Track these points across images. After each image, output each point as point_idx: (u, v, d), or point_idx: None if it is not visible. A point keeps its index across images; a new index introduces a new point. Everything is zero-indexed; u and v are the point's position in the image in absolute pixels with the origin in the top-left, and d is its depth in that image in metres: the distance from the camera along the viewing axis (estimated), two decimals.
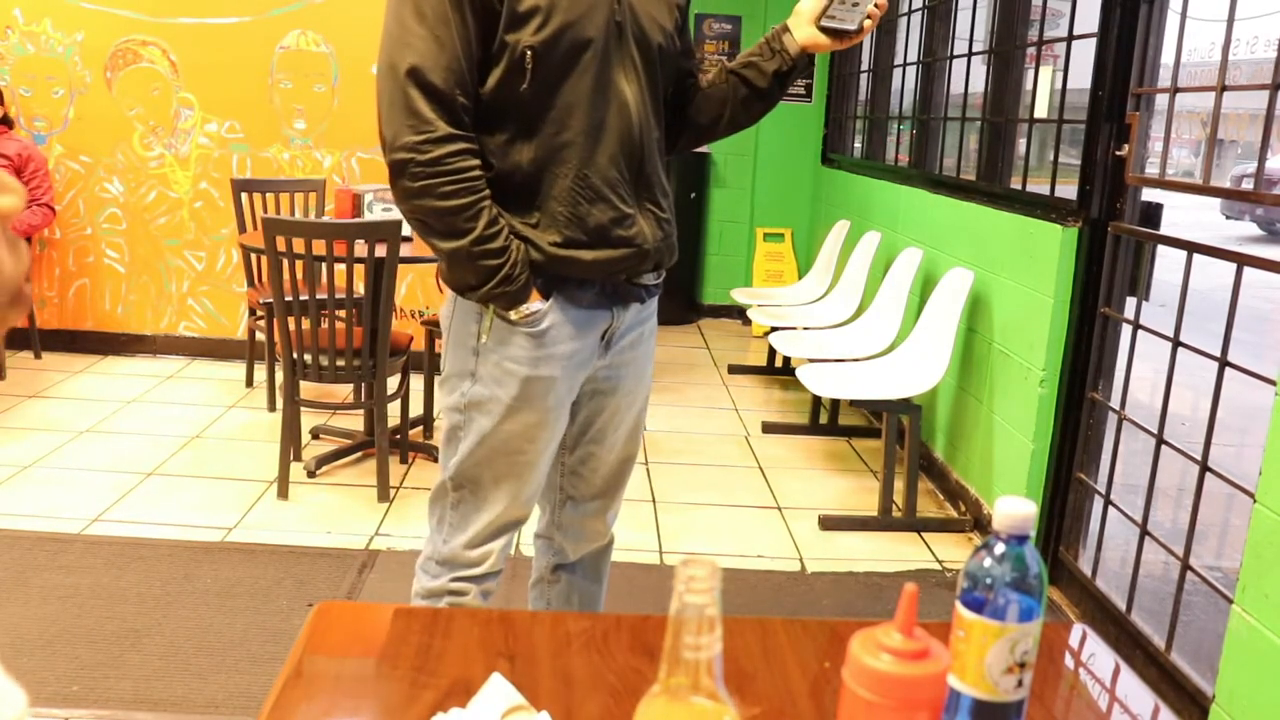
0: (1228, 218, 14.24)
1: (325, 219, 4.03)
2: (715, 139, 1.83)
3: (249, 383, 4.49)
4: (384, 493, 3.30)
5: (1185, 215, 11.62)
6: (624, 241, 1.57)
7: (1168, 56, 2.61)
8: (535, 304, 1.55)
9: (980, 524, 3.33)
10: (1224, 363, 2.26)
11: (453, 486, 1.67)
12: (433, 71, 1.43)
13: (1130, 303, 2.79)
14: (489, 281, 1.51)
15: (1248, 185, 2.79)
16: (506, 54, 1.47)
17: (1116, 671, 1.17)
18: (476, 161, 1.49)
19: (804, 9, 1.67)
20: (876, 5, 1.61)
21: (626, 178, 1.57)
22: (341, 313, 3.23)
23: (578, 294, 1.59)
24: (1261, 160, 2.27)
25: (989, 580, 0.82)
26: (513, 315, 1.55)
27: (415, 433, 3.86)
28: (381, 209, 3.59)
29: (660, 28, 1.60)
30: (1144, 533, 2.55)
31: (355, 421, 4.00)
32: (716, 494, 3.56)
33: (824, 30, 1.65)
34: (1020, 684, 0.84)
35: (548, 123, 1.51)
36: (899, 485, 3.39)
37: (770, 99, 1.74)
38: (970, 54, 4.03)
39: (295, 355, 3.12)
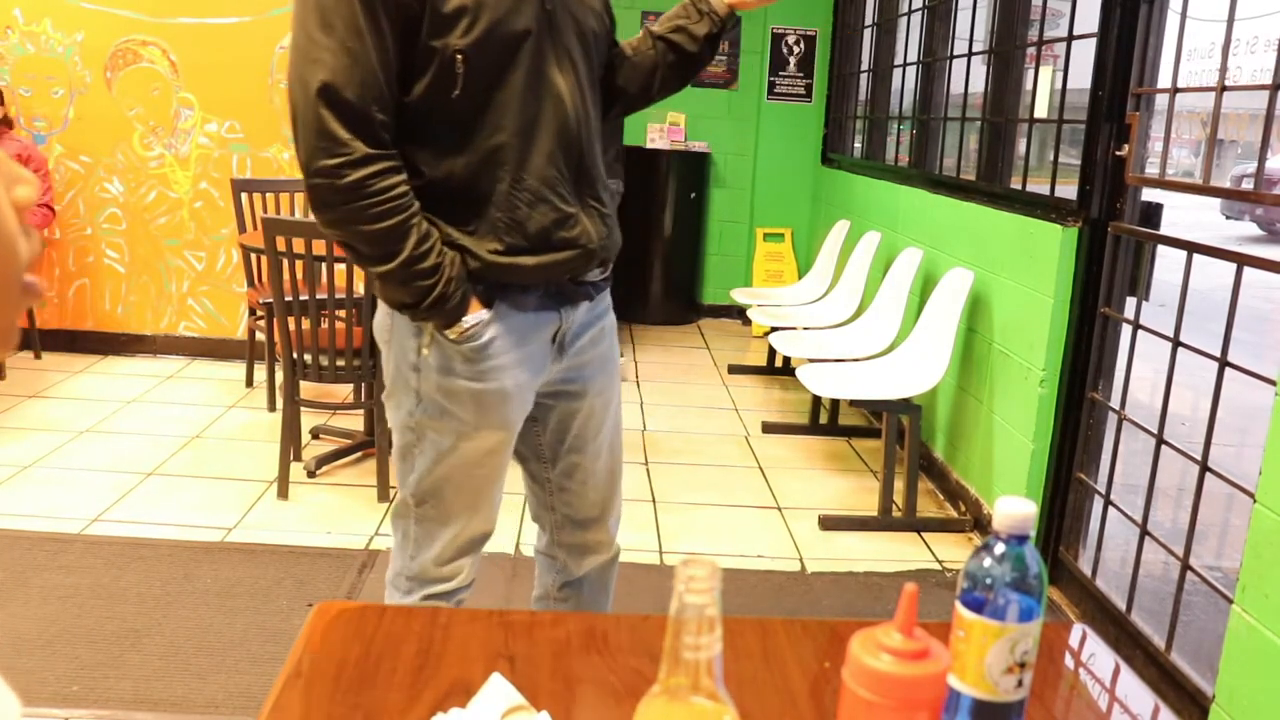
0: (1228, 218, 14.25)
1: None
2: (648, 106, 1.77)
3: (249, 383, 4.49)
4: (384, 493, 3.30)
5: (1185, 215, 11.62)
6: (567, 244, 1.50)
7: (1168, 56, 2.61)
8: (475, 315, 1.47)
9: (980, 524, 3.33)
10: (1224, 363, 2.26)
11: (415, 503, 1.61)
12: (346, 88, 1.32)
13: (1130, 303, 2.79)
14: (423, 301, 1.42)
15: (1248, 185, 2.79)
16: (435, 60, 1.37)
17: (1116, 671, 1.17)
18: (401, 178, 1.39)
19: None
20: None
21: (566, 175, 1.49)
22: (341, 313, 3.23)
23: (521, 299, 1.50)
24: (1261, 160, 2.27)
25: (989, 580, 0.82)
26: (450, 335, 1.46)
27: None
28: None
29: (590, 9, 1.54)
30: (1144, 533, 2.55)
31: (355, 421, 4.00)
32: (716, 494, 3.56)
33: None
34: (1020, 684, 0.84)
35: (479, 126, 1.42)
36: (899, 485, 3.39)
37: (701, 62, 1.69)
38: (970, 54, 4.02)
39: (295, 355, 3.12)
